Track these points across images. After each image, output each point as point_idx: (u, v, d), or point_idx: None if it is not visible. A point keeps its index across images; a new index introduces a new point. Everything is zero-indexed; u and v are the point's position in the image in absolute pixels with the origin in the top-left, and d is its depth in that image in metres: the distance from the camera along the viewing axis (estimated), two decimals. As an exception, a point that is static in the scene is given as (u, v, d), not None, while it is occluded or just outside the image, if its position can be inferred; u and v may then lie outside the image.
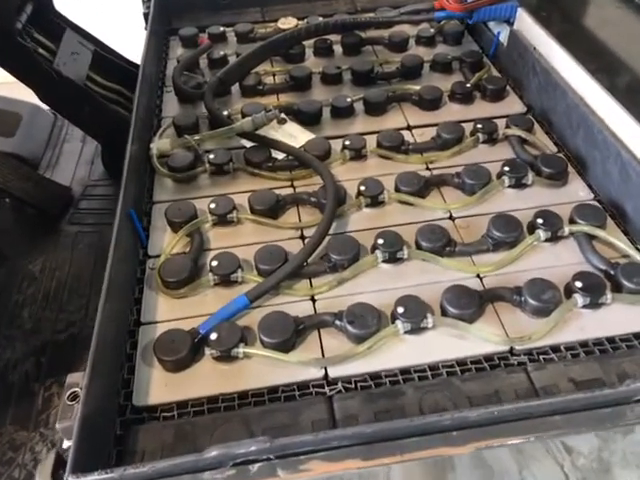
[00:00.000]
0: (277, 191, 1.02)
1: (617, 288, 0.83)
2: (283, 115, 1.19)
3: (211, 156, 1.08)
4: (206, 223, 0.98)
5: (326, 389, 0.75)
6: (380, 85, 1.30)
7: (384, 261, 0.90)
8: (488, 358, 0.78)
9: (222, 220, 0.97)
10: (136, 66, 1.22)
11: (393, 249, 0.89)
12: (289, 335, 0.77)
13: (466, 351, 0.79)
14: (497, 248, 0.91)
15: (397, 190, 1.02)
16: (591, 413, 0.64)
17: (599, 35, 1.15)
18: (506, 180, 1.01)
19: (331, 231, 0.94)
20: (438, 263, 0.89)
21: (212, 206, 0.98)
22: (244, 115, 1.17)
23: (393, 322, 0.80)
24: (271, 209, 0.98)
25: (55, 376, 1.09)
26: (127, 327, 0.84)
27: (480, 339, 0.79)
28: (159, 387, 0.76)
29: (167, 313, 0.86)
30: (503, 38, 1.34)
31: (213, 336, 0.77)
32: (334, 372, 0.76)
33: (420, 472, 0.64)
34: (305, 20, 1.51)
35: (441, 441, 0.62)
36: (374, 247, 0.91)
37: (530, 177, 1.01)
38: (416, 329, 0.80)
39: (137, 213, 0.97)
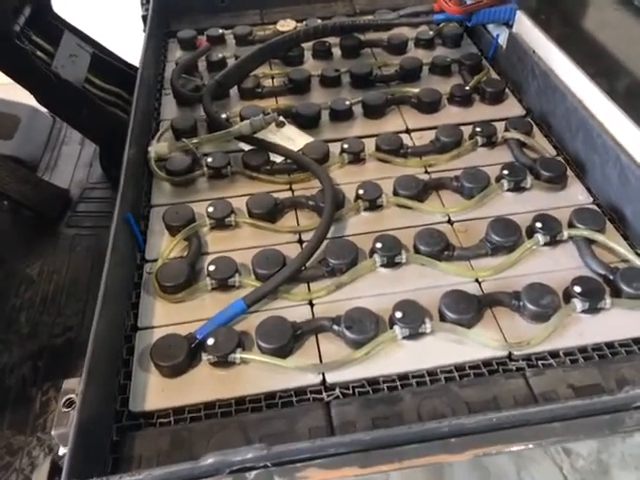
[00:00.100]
0: (275, 195, 1.02)
1: (616, 293, 0.83)
2: (281, 118, 1.18)
3: (209, 159, 1.08)
4: (204, 227, 0.97)
5: (324, 395, 0.75)
6: (379, 88, 1.29)
7: (382, 265, 0.90)
8: (486, 363, 0.78)
9: (220, 224, 0.97)
10: (135, 68, 1.22)
11: (391, 253, 0.89)
12: (286, 340, 0.77)
13: (464, 356, 0.78)
14: (496, 252, 0.91)
15: (395, 194, 1.01)
16: (590, 420, 0.64)
17: (598, 38, 1.15)
18: (505, 184, 1.01)
19: (329, 235, 0.94)
20: (436, 267, 0.89)
21: (210, 210, 0.97)
22: (242, 118, 1.17)
23: (391, 327, 0.80)
24: (269, 213, 0.98)
25: (52, 380, 1.09)
26: (124, 332, 0.84)
27: (478, 344, 0.79)
28: (156, 393, 0.76)
29: (164, 318, 0.85)
30: (502, 41, 1.34)
31: (210, 341, 0.77)
32: (332, 378, 0.76)
33: (418, 475, 0.64)
34: (304, 22, 1.50)
35: (439, 448, 0.61)
36: (372, 251, 0.91)
37: (529, 181, 1.01)
38: (414, 334, 0.79)
39: (135, 217, 0.96)
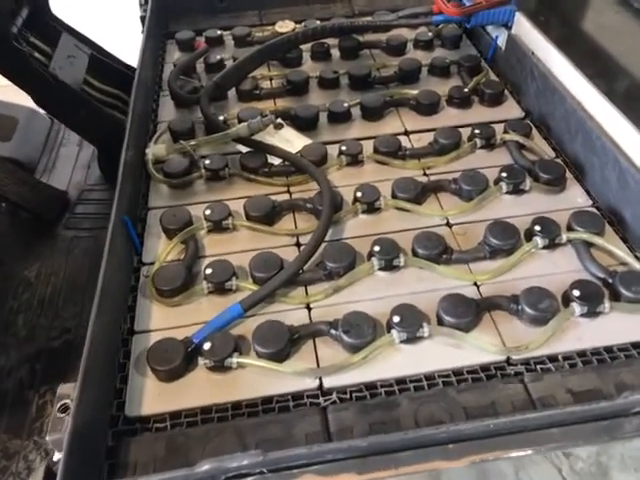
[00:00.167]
0: (273, 197, 1.02)
1: (615, 297, 0.82)
2: (279, 120, 1.18)
3: (207, 162, 1.07)
4: (201, 230, 0.97)
5: (321, 399, 0.75)
6: (377, 89, 1.29)
7: (380, 269, 0.89)
8: (485, 368, 0.77)
9: (217, 227, 0.97)
10: (134, 70, 1.22)
11: (389, 256, 0.88)
12: (283, 345, 0.77)
13: (462, 361, 0.78)
14: (494, 255, 0.90)
15: (394, 196, 1.01)
16: (588, 426, 0.63)
17: (597, 40, 1.15)
18: (504, 186, 1.00)
19: (327, 238, 0.93)
20: (435, 271, 0.89)
21: (207, 212, 0.97)
22: (240, 120, 1.17)
23: (389, 331, 0.80)
24: (267, 215, 0.98)
25: (49, 384, 1.08)
26: (120, 336, 0.83)
27: (477, 348, 0.78)
28: (152, 397, 0.75)
29: (161, 321, 0.85)
30: (501, 42, 1.33)
31: (206, 346, 0.76)
32: (329, 382, 0.76)
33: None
34: (303, 23, 1.50)
35: (437, 454, 0.61)
36: (370, 254, 0.90)
37: (528, 183, 1.00)
38: (412, 338, 0.79)
39: (132, 219, 0.96)
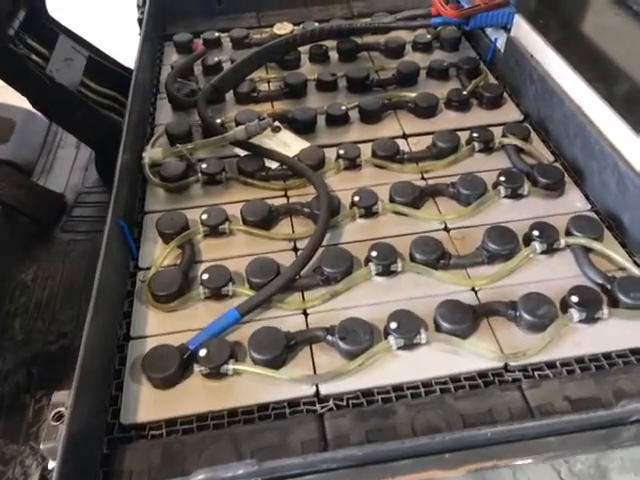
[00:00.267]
0: (270, 201, 1.01)
1: (614, 303, 0.82)
2: (277, 123, 1.17)
3: (203, 165, 1.07)
4: (198, 234, 0.96)
5: (317, 406, 0.74)
6: (376, 92, 1.28)
7: (378, 274, 0.89)
8: (482, 374, 0.77)
9: (214, 231, 0.96)
10: (131, 72, 1.21)
11: (387, 262, 0.88)
12: (279, 352, 0.76)
13: (460, 367, 0.77)
14: (492, 260, 0.90)
15: (392, 200, 1.00)
16: (586, 434, 0.63)
17: (597, 43, 1.14)
18: (502, 190, 1.00)
19: (324, 242, 0.93)
20: (432, 276, 0.88)
21: (204, 217, 0.96)
22: (238, 123, 1.16)
23: (386, 337, 0.79)
24: (264, 220, 0.97)
25: (46, 388, 1.08)
26: (116, 342, 0.83)
27: (474, 355, 0.78)
28: (148, 404, 0.75)
29: (157, 327, 0.84)
30: (500, 44, 1.33)
31: (202, 352, 0.76)
32: (326, 389, 0.75)
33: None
34: (301, 25, 1.50)
35: (433, 464, 0.61)
36: (368, 259, 0.90)
37: (526, 187, 1.00)
38: (409, 345, 0.78)
39: (128, 224, 0.95)
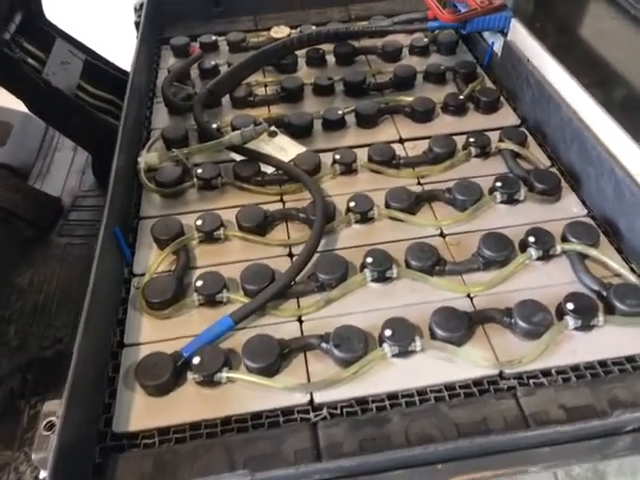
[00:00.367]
0: (266, 206, 1.01)
1: (610, 310, 0.82)
2: (273, 128, 1.17)
3: (199, 170, 1.06)
4: (193, 240, 0.96)
5: (311, 415, 0.74)
6: (373, 96, 1.28)
7: (373, 280, 0.88)
8: (477, 382, 0.76)
9: (209, 237, 0.96)
10: (129, 75, 1.21)
11: (382, 268, 0.88)
12: (273, 359, 0.76)
13: (455, 375, 0.77)
14: (488, 267, 0.89)
15: (387, 206, 1.00)
16: (581, 444, 0.63)
17: (594, 48, 1.14)
18: (498, 196, 0.99)
19: (320, 248, 0.93)
20: (428, 282, 0.88)
21: (199, 223, 0.96)
22: (234, 128, 1.16)
23: (381, 345, 0.79)
24: (259, 225, 0.97)
25: (41, 394, 1.07)
26: (109, 349, 0.82)
27: (469, 363, 0.77)
28: (141, 412, 0.75)
29: (151, 334, 0.84)
30: (497, 48, 1.32)
31: (196, 360, 0.76)
32: (320, 397, 0.75)
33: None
34: (298, 29, 1.49)
35: (426, 474, 0.60)
36: (363, 266, 0.89)
37: (522, 193, 0.99)
38: (404, 352, 0.78)
39: (123, 229, 0.95)
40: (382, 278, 0.88)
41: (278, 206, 1.03)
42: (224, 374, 0.75)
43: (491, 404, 0.73)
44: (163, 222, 0.97)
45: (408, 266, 0.90)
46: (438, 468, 0.60)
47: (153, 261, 0.93)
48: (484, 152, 1.10)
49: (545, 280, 0.88)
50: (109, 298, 0.87)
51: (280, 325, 0.84)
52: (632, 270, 0.88)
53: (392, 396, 0.76)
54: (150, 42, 1.47)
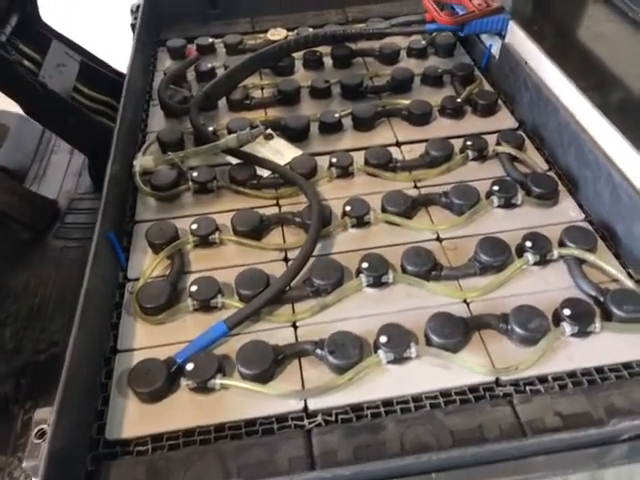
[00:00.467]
0: (262, 210, 1.00)
1: (607, 316, 0.81)
2: (270, 131, 1.16)
3: (194, 174, 1.06)
4: (187, 245, 0.95)
5: (305, 422, 0.73)
6: (370, 99, 1.27)
7: (369, 285, 0.88)
8: (473, 389, 0.76)
9: (204, 241, 0.95)
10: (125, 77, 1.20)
11: (378, 273, 0.87)
12: (267, 366, 0.75)
13: (450, 382, 0.76)
14: (484, 272, 0.89)
15: (384, 210, 0.99)
16: (577, 453, 0.62)
17: (591, 51, 1.13)
18: (495, 200, 0.99)
19: (316, 252, 0.92)
20: (424, 287, 0.87)
21: (193, 227, 0.95)
22: (230, 131, 1.15)
23: (376, 351, 0.78)
24: (254, 230, 0.96)
25: (35, 399, 1.07)
26: (103, 355, 0.82)
27: (465, 369, 0.77)
28: (134, 419, 0.74)
29: (145, 340, 0.83)
30: (495, 51, 1.32)
31: (189, 367, 0.75)
32: (314, 404, 0.74)
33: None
34: (295, 31, 1.49)
35: (420, 484, 0.60)
36: (358, 271, 0.89)
37: (520, 197, 0.99)
38: (399, 359, 0.77)
39: (118, 233, 0.95)
40: (378, 283, 0.88)
41: (274, 210, 1.03)
42: (218, 381, 0.74)
43: (487, 411, 0.73)
44: (158, 226, 0.97)
45: (404, 271, 0.89)
46: (432, 478, 0.59)
47: (148, 266, 0.92)
48: (481, 155, 1.10)
49: (542, 285, 0.88)
50: (103, 303, 0.86)
51: (275, 331, 0.83)
52: (629, 275, 0.88)
53: (387, 403, 0.75)
54: (146, 44, 1.46)
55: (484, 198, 1.00)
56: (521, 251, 0.91)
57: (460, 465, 0.61)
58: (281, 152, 1.14)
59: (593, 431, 0.61)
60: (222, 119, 1.23)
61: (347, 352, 0.76)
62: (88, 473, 0.69)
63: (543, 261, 0.89)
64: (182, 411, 0.75)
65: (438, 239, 0.96)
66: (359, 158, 1.10)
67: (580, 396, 0.74)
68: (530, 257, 0.89)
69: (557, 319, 0.81)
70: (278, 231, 0.99)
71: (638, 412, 0.70)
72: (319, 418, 0.73)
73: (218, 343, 0.81)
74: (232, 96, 1.26)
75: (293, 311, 0.86)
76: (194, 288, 0.85)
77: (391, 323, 0.80)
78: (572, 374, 0.77)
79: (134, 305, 0.86)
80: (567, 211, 1.00)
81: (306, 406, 0.74)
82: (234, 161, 1.11)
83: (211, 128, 1.18)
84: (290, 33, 1.47)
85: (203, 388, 0.75)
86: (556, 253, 0.89)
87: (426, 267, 0.88)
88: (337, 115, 1.19)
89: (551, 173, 1.06)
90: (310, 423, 0.73)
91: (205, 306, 0.85)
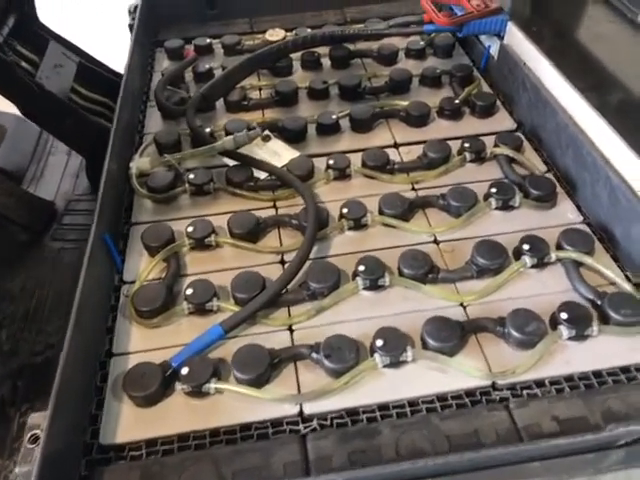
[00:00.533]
0: (258, 212, 1.00)
1: (604, 319, 0.80)
2: (267, 132, 1.16)
3: (191, 176, 1.05)
4: (184, 247, 0.95)
5: (301, 426, 0.73)
6: (368, 100, 1.27)
7: (365, 288, 0.87)
8: (469, 393, 0.75)
9: (200, 244, 0.95)
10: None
11: (374, 276, 0.87)
12: (263, 370, 0.75)
13: (447, 386, 0.76)
14: (481, 275, 0.88)
15: (381, 212, 0.99)
16: (574, 459, 0.62)
17: (590, 52, 1.13)
18: (493, 202, 0.98)
19: (312, 255, 0.92)
20: (421, 290, 0.87)
21: (190, 229, 0.95)
22: (227, 132, 1.15)
23: (372, 355, 0.78)
24: (251, 232, 0.96)
25: (32, 401, 1.06)
26: (98, 358, 0.81)
27: (462, 373, 0.76)
28: (128, 424, 0.73)
29: (140, 343, 0.83)
30: (494, 52, 1.31)
31: (184, 371, 0.75)
32: (310, 408, 0.74)
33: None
34: (294, 32, 1.48)
35: (415, 490, 0.59)
36: (355, 274, 0.88)
37: (517, 199, 0.98)
38: (395, 363, 0.77)
39: (114, 235, 0.94)
40: (374, 286, 0.87)
41: (271, 212, 1.02)
42: (213, 385, 0.74)
43: (483, 416, 0.72)
44: (154, 228, 0.96)
45: (401, 274, 0.89)
46: (427, 484, 0.59)
47: (143, 268, 0.92)
48: (479, 157, 1.09)
49: (539, 288, 0.87)
50: (98, 306, 0.86)
51: (270, 334, 0.83)
52: (627, 278, 0.87)
53: (383, 407, 0.75)
54: (144, 45, 1.46)
55: (482, 200, 1.00)
56: (518, 254, 0.90)
57: (456, 471, 0.60)
58: (278, 154, 1.13)
59: (590, 437, 0.61)
60: (220, 120, 1.23)
61: (343, 356, 0.76)
62: (82, 478, 0.69)
63: (540, 264, 0.89)
64: (177, 415, 0.74)
65: (435, 242, 0.96)
66: (356, 160, 1.09)
67: (577, 400, 0.73)
68: (527, 260, 0.88)
69: (554, 322, 0.80)
70: (274, 234, 0.99)
71: (635, 416, 0.70)
72: (314, 423, 0.73)
73: (214, 346, 0.81)
74: (230, 97, 1.25)
75: (289, 314, 0.85)
76: (190, 291, 0.85)
77: (387, 327, 0.79)
78: (569, 378, 0.77)
79: (129, 308, 0.85)
80: (565, 213, 0.99)
81: (301, 410, 0.74)
82: (231, 163, 1.10)
83: (208, 129, 1.17)
84: (288, 34, 1.47)
85: (198, 392, 0.74)
86: (554, 256, 0.89)
87: (423, 270, 0.87)
88: (334, 116, 1.18)
89: (549, 175, 1.06)
90: (305, 428, 0.72)
91: (201, 309, 0.85)
